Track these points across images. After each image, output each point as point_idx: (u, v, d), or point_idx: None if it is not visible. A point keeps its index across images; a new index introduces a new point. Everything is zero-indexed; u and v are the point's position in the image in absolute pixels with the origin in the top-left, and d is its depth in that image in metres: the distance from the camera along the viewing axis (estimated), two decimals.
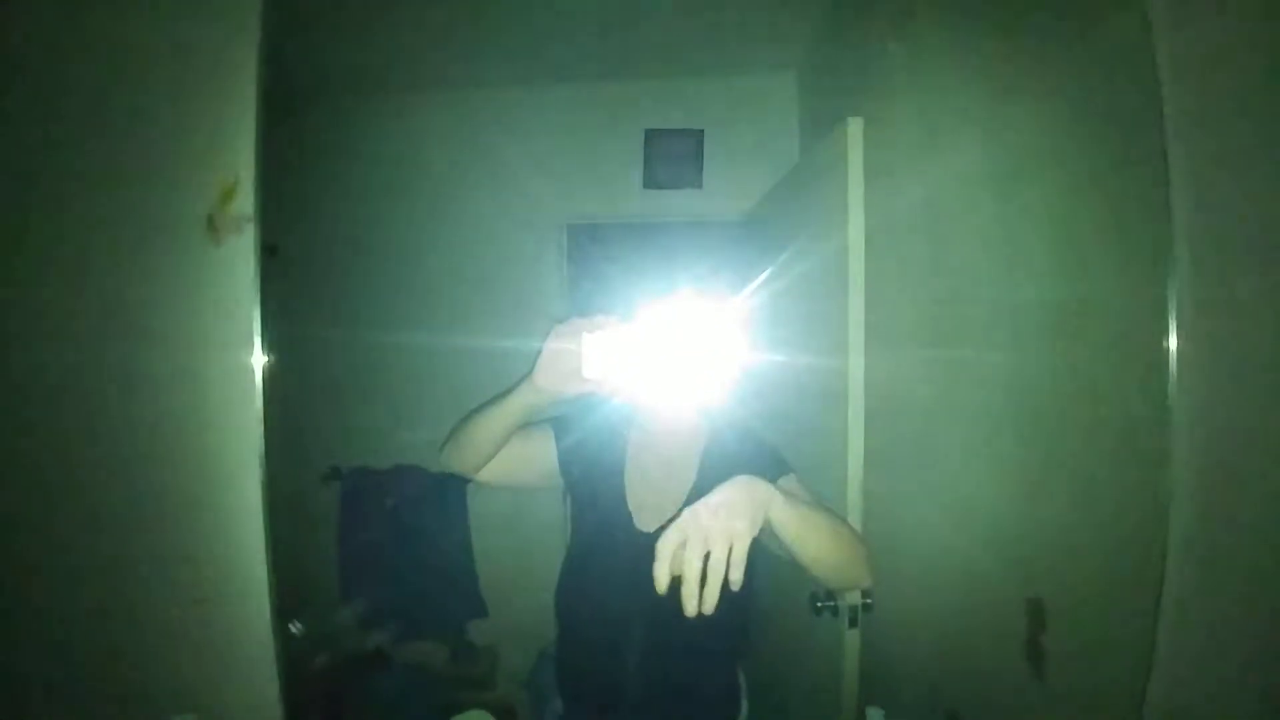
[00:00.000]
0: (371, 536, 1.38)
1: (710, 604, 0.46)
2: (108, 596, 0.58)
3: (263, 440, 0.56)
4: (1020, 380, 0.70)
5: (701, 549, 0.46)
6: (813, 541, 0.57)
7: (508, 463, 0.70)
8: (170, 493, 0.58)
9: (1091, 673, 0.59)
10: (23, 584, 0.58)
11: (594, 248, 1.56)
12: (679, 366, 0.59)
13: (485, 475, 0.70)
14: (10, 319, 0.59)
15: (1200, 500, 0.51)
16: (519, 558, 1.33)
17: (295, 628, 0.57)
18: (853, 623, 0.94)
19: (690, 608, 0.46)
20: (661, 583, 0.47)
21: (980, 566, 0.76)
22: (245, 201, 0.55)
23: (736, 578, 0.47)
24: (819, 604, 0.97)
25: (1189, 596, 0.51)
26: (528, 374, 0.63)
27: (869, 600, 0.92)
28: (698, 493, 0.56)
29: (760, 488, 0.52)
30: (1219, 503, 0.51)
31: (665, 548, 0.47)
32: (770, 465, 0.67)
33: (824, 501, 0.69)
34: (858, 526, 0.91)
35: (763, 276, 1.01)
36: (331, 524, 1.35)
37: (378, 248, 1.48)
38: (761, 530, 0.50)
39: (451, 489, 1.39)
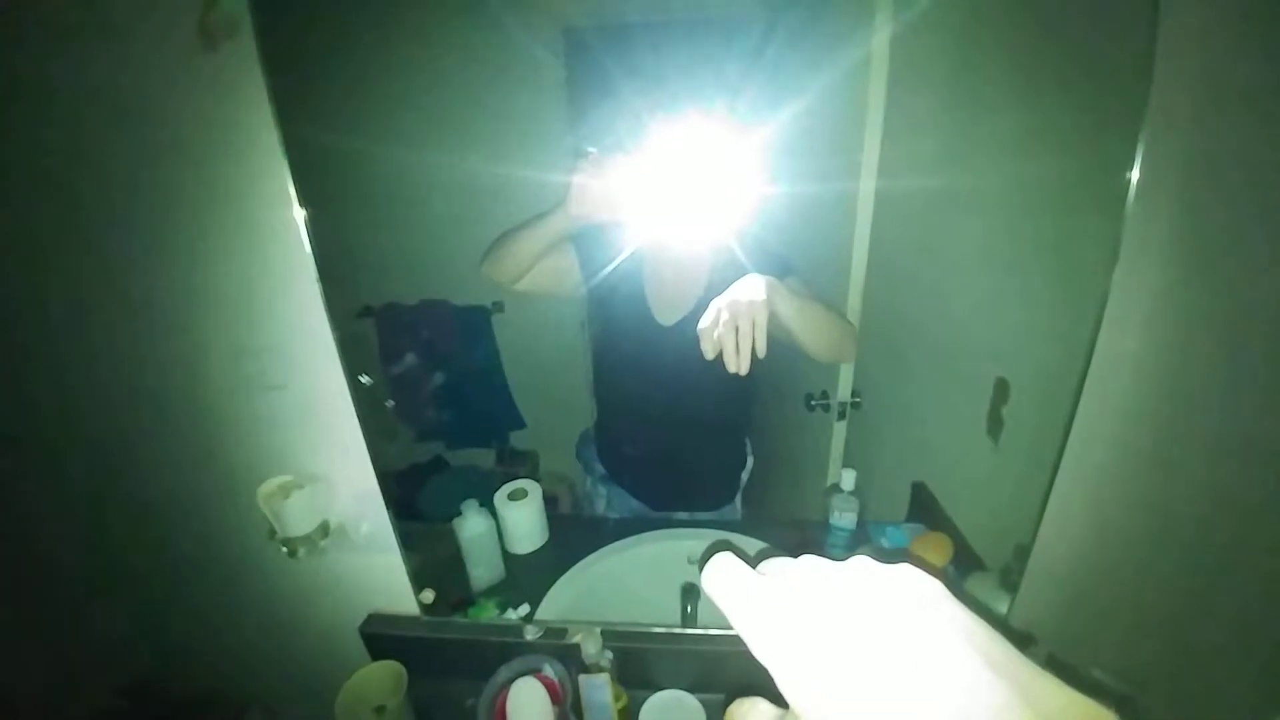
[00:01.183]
0: (411, 365, 1.51)
1: (745, 365, 0.60)
2: (190, 386, 0.69)
3: (316, 269, 0.62)
4: (1006, 206, 0.74)
5: (733, 325, 0.60)
6: (810, 324, 0.69)
7: (538, 274, 0.78)
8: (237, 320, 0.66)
9: (1033, 439, 0.69)
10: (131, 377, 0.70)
11: (594, 54, 1.41)
12: (691, 190, 0.68)
13: (521, 285, 0.78)
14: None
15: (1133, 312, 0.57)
16: (545, 375, 1.46)
17: (365, 379, 0.69)
18: (841, 416, 1.07)
19: (732, 366, 0.60)
20: (709, 353, 0.62)
21: (961, 357, 0.85)
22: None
23: (761, 344, 0.60)
24: (813, 401, 1.09)
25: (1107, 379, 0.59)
26: (561, 202, 0.71)
27: (858, 399, 1.03)
28: (712, 292, 0.65)
29: (767, 281, 0.64)
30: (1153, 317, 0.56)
31: (707, 327, 0.61)
32: (776, 267, 0.72)
33: (821, 296, 0.76)
34: (857, 326, 0.98)
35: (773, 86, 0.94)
36: (373, 357, 1.47)
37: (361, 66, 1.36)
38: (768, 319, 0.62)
39: (477, 317, 1.49)
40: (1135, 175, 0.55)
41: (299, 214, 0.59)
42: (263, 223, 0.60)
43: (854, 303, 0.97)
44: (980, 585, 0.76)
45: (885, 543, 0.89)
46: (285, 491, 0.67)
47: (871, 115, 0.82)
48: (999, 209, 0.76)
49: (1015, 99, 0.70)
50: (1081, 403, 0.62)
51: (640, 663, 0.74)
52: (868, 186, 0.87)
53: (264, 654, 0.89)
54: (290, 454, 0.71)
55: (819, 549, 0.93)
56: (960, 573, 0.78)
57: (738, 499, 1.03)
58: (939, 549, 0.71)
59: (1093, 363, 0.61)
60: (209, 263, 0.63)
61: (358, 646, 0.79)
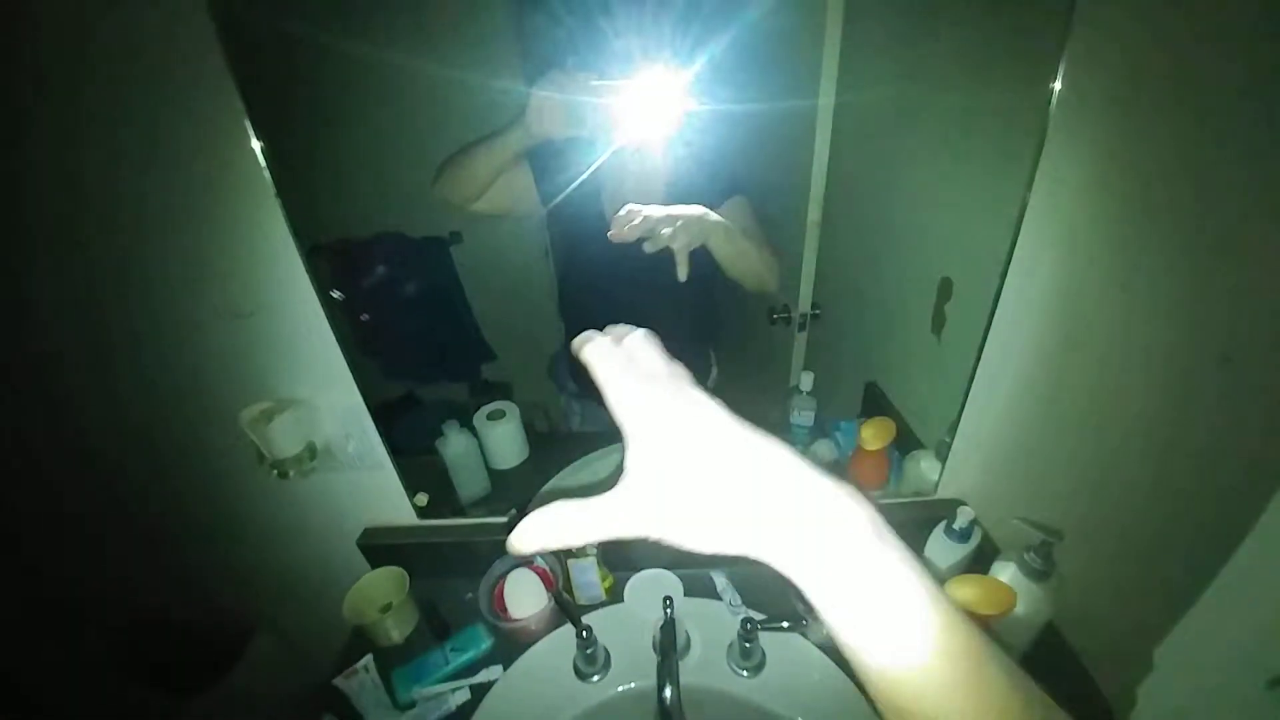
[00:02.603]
0: (371, 301, 1.48)
1: (684, 271, 0.71)
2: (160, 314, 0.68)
3: (273, 185, 0.60)
4: (949, 119, 0.78)
5: (675, 235, 0.69)
6: (739, 264, 0.80)
7: (495, 194, 0.78)
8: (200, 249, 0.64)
9: (964, 330, 0.76)
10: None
11: None
12: (650, 107, 0.69)
13: (477, 206, 0.78)
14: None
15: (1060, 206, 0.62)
16: (511, 305, 1.46)
17: (336, 295, 0.70)
18: (801, 327, 1.13)
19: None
20: (640, 233, 0.71)
21: (911, 262, 0.90)
22: None
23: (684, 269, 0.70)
24: (775, 315, 1.15)
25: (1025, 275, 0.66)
26: (519, 118, 0.70)
27: (818, 311, 1.08)
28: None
29: (708, 218, 0.73)
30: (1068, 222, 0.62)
31: (658, 218, 0.69)
32: (725, 186, 0.76)
33: (758, 227, 0.84)
34: (814, 244, 1.01)
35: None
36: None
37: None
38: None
39: (436, 248, 1.45)
40: (1057, 86, 0.58)
41: (251, 132, 0.57)
42: (212, 140, 0.58)
43: (813, 216, 1.00)
44: (918, 460, 0.85)
45: (840, 437, 0.98)
46: (268, 416, 0.69)
47: (830, 31, 0.82)
48: (943, 123, 0.79)
49: (966, 15, 0.72)
50: (1003, 296, 0.70)
51: (623, 547, 0.81)
52: (826, 103, 0.88)
53: (265, 576, 0.93)
54: (271, 378, 0.72)
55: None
56: (903, 452, 0.88)
57: None
58: (883, 431, 0.80)
59: (1012, 261, 0.67)
60: (162, 185, 0.60)
61: (358, 560, 0.84)
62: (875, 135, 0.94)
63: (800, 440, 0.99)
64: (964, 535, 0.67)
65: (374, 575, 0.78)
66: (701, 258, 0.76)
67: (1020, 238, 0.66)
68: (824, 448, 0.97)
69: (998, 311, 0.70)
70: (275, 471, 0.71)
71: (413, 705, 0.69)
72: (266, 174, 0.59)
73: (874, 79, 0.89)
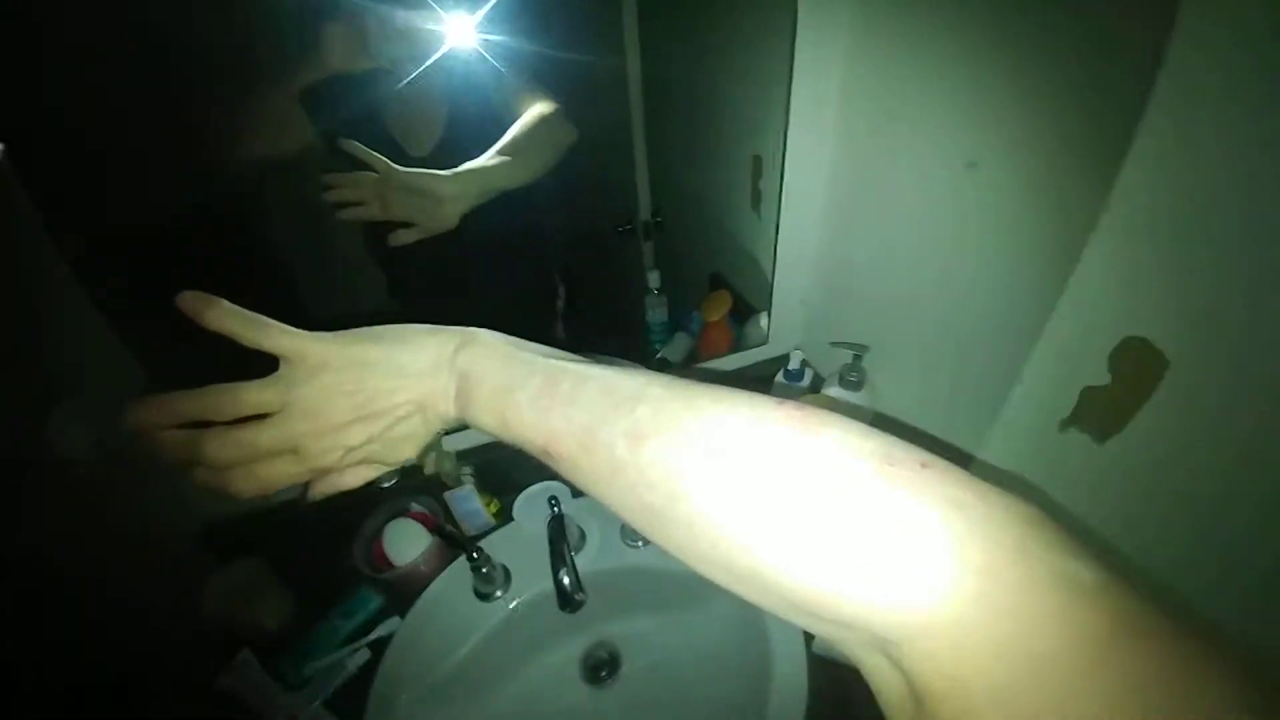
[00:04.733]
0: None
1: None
2: None
3: None
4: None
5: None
6: (539, 169, 0.76)
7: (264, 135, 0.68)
8: None
9: (771, 200, 0.84)
10: None
11: None
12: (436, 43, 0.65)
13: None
14: None
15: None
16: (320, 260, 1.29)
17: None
18: (647, 236, 1.15)
19: None
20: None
21: (727, 148, 0.95)
22: None
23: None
24: (619, 228, 1.15)
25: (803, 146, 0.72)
26: (312, 48, 0.64)
27: (660, 219, 1.10)
28: (456, 105, 0.69)
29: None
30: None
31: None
32: (523, 84, 0.72)
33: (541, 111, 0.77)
34: (644, 157, 0.99)
35: None
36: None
37: None
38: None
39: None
40: None
41: None
42: None
43: (638, 130, 0.98)
44: (756, 322, 0.95)
45: (693, 325, 1.04)
46: None
47: None
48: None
49: None
50: (788, 152, 0.77)
51: (501, 470, 0.80)
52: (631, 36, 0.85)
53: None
54: None
55: (642, 343, 1.05)
56: (739, 320, 0.97)
57: (559, 325, 1.09)
58: (719, 303, 0.86)
59: (789, 137, 0.75)
60: None
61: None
62: (674, 38, 0.94)
63: (658, 336, 1.04)
64: (798, 375, 0.77)
65: (226, 572, 0.70)
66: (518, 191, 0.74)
67: (793, 101, 0.72)
68: (680, 339, 1.03)
69: (787, 168, 0.78)
70: None
71: (308, 681, 0.65)
72: None
73: None
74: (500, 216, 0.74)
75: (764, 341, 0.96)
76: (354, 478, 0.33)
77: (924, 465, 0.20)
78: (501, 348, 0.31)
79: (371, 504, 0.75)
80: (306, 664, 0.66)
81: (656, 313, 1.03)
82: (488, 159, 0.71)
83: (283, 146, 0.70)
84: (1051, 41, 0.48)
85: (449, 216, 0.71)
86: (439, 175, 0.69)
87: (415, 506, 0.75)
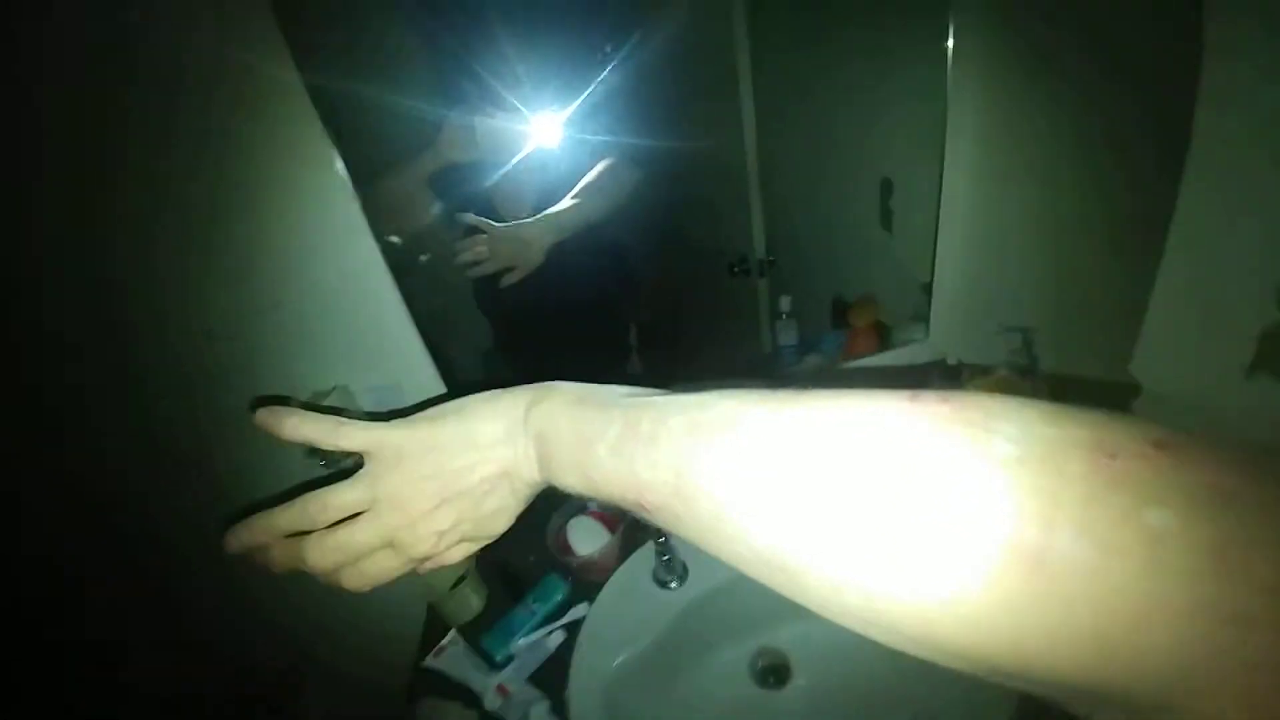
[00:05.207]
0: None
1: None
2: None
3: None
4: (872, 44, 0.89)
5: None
6: (606, 212, 0.86)
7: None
8: None
9: (913, 223, 0.89)
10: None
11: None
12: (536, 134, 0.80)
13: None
14: None
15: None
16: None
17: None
18: (761, 274, 1.22)
19: None
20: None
21: (851, 175, 1.02)
22: None
23: None
24: (734, 268, 1.23)
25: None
26: (430, 145, 0.80)
27: (773, 258, 1.18)
28: (549, 176, 0.83)
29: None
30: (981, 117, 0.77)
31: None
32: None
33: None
34: (758, 197, 1.09)
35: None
36: None
37: None
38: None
39: None
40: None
41: None
42: None
43: (752, 170, 1.07)
44: (903, 328, 0.97)
45: (824, 348, 1.08)
46: (316, 403, 0.69)
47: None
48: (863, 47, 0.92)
49: None
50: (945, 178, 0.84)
51: None
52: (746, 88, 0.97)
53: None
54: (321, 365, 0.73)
55: (774, 368, 1.09)
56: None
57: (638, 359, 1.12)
58: (868, 309, 0.91)
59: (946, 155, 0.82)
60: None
61: None
62: (800, 77, 1.05)
63: (790, 359, 1.08)
64: (954, 373, 0.79)
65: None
66: (607, 246, 0.89)
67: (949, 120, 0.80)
68: (813, 358, 1.07)
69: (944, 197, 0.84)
70: (322, 463, 0.71)
71: (511, 659, 0.71)
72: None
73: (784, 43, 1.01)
74: (586, 252, 0.86)
75: (924, 338, 0.99)
76: (454, 556, 0.32)
77: (1159, 446, 0.14)
78: (572, 398, 0.28)
79: (559, 499, 0.83)
80: (509, 644, 0.72)
81: (787, 335, 1.09)
82: (561, 205, 0.84)
83: (416, 220, 0.86)
84: None
85: (536, 255, 0.84)
86: (523, 222, 0.83)
87: (592, 505, 0.82)
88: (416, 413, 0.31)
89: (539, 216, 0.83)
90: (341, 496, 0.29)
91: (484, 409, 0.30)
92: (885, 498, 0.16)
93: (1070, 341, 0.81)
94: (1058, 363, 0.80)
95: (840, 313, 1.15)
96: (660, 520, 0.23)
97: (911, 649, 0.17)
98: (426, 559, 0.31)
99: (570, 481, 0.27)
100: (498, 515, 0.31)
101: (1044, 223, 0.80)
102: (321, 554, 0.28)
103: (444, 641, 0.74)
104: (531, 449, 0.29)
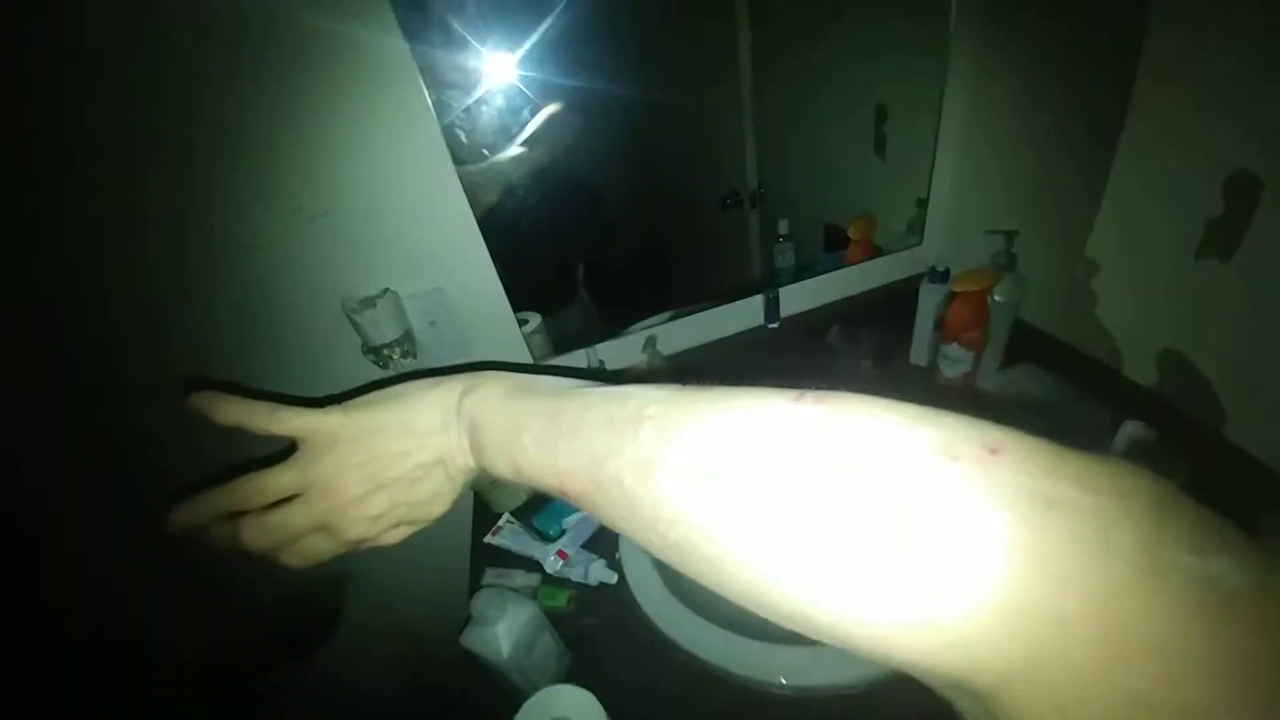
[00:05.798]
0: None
1: None
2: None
3: None
4: None
5: None
6: None
7: None
8: None
9: (909, 149, 0.98)
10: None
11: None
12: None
13: None
14: None
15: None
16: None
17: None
18: (753, 205, 1.27)
19: None
20: None
21: (846, 102, 1.08)
22: None
23: None
24: (727, 200, 1.27)
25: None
26: None
27: (763, 190, 1.23)
28: None
29: None
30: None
31: None
32: None
33: None
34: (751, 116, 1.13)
35: None
36: None
37: None
38: None
39: None
40: None
41: None
42: None
43: (747, 104, 1.11)
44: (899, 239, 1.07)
45: (817, 269, 1.16)
46: (369, 303, 0.70)
47: None
48: None
49: None
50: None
51: None
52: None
53: None
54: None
55: (766, 285, 1.15)
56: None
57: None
58: (866, 224, 1.01)
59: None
60: None
61: None
62: (792, 30, 1.08)
63: (783, 279, 1.15)
64: (942, 277, 0.88)
65: None
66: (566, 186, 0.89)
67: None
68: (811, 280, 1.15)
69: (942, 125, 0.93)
70: (374, 359, 0.73)
71: (564, 532, 0.77)
72: None
73: None
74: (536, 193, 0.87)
75: (918, 244, 1.09)
76: (392, 538, 0.32)
77: (994, 451, 0.16)
78: (504, 388, 0.29)
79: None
80: (560, 522, 0.78)
81: (786, 257, 1.15)
82: (507, 153, 0.83)
83: None
84: None
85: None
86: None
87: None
88: (352, 399, 0.32)
89: (487, 163, 0.82)
90: (274, 480, 0.29)
91: (421, 396, 0.31)
92: (779, 483, 0.18)
93: (1043, 240, 0.92)
94: (1034, 258, 0.91)
95: (833, 237, 1.22)
96: (582, 506, 0.25)
97: (775, 619, 0.19)
98: (362, 542, 0.31)
99: (500, 468, 0.28)
100: (434, 500, 0.31)
101: (1026, 136, 0.89)
102: (258, 535, 0.29)
103: (499, 523, 0.79)
104: (465, 437, 0.30)
